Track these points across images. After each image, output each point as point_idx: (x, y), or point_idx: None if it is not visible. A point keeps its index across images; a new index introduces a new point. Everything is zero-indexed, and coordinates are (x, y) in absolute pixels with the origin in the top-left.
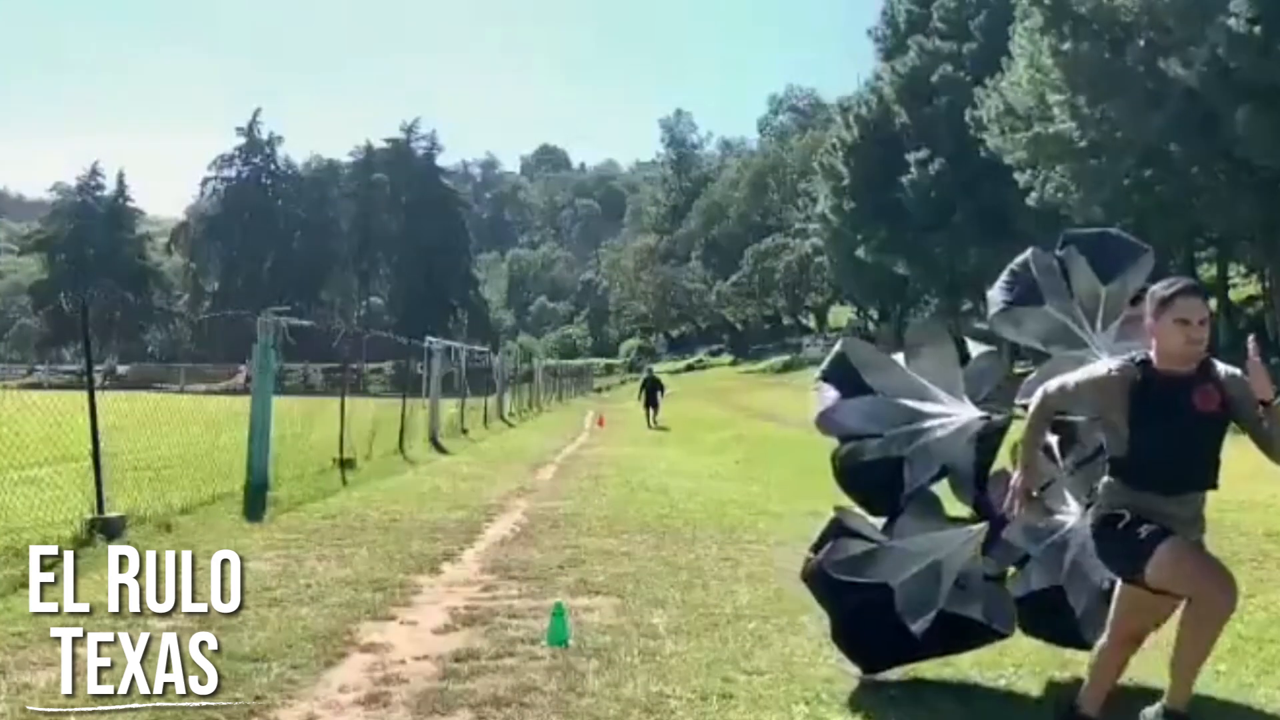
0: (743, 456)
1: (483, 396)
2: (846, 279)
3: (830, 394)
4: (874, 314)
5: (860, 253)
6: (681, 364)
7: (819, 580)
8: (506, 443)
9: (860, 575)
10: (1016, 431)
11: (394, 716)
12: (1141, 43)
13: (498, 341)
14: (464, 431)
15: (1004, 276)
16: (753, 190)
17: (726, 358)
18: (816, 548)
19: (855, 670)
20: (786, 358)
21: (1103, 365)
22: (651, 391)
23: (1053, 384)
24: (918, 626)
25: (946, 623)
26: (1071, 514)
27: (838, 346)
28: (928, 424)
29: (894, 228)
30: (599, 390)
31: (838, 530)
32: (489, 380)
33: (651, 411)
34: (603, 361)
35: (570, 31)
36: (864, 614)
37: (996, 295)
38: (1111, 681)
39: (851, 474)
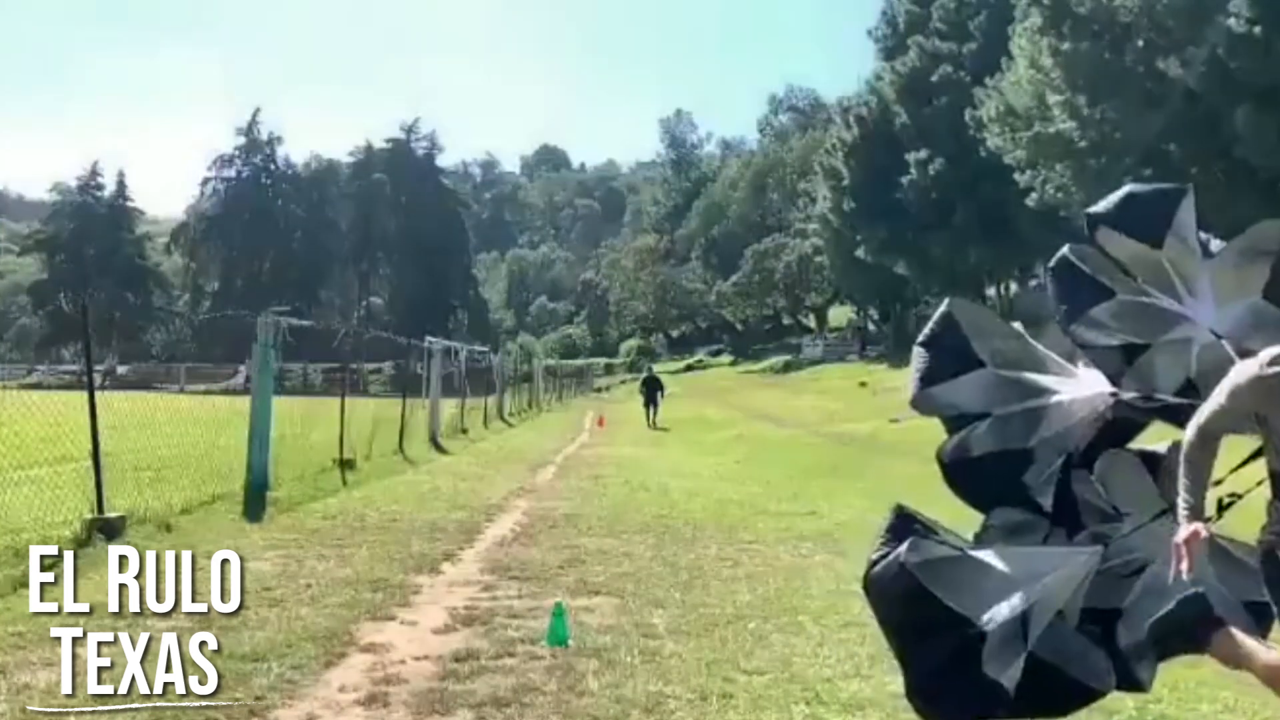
0: (743, 456)
1: (483, 397)
2: (846, 279)
3: (932, 364)
4: (874, 314)
5: (860, 253)
6: (681, 364)
7: (898, 623)
8: (506, 443)
9: (936, 588)
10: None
11: (394, 716)
12: (1140, 43)
13: (498, 342)
14: (464, 431)
15: (1049, 283)
16: (752, 190)
17: (726, 358)
18: (883, 550)
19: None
20: (786, 358)
21: (1251, 365)
22: (651, 391)
23: (1204, 410)
24: (1007, 676)
25: (1040, 674)
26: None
27: (943, 306)
28: (1052, 400)
29: (894, 228)
30: (599, 390)
31: (906, 528)
32: (489, 380)
33: (651, 411)
34: (603, 361)
35: (571, 31)
36: (950, 662)
37: (1057, 303)
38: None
39: (962, 474)
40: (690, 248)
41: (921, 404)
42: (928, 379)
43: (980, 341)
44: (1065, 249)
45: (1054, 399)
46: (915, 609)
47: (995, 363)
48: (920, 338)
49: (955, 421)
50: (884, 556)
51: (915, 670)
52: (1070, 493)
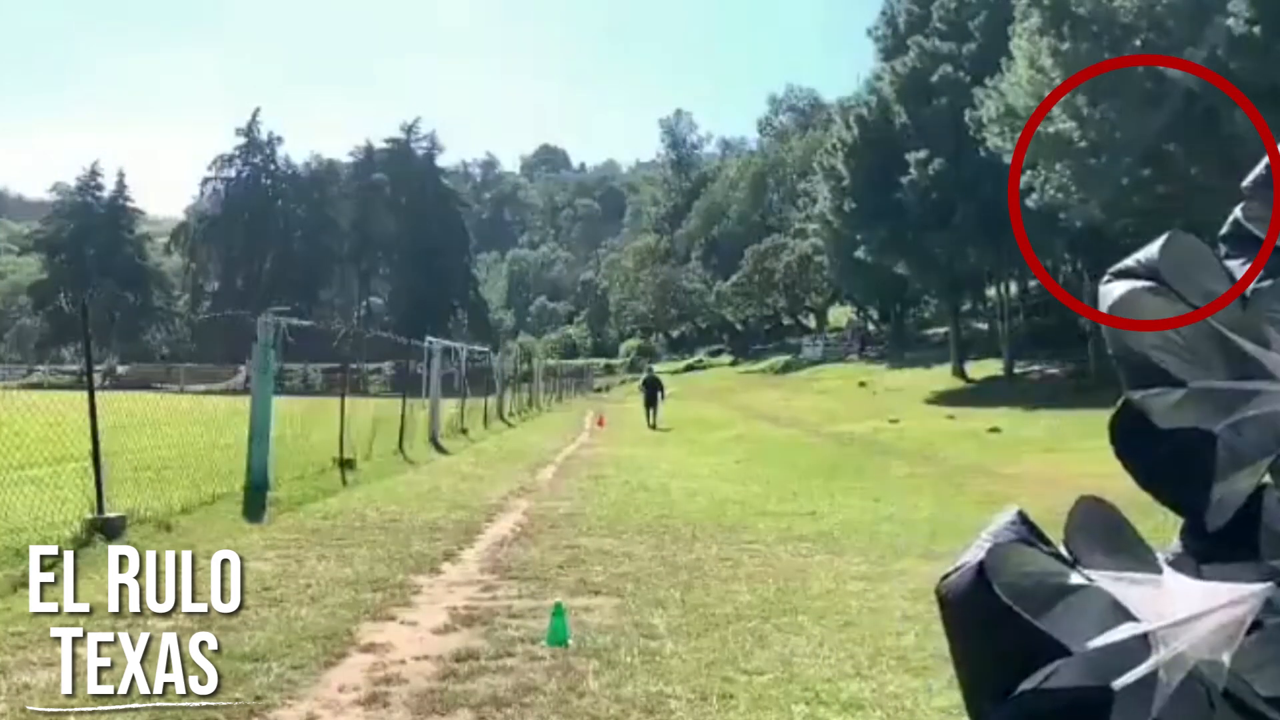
0: (743, 456)
1: (483, 397)
2: (846, 279)
3: (1130, 290)
4: (874, 314)
5: (860, 253)
6: (681, 364)
7: (980, 658)
8: (506, 443)
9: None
10: None
11: (394, 716)
12: (1140, 43)
13: (498, 342)
14: (464, 431)
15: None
16: (753, 190)
17: (726, 358)
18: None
19: None
20: (786, 358)
21: None
22: (652, 392)
23: None
24: None
25: None
26: None
27: (1163, 236)
28: (1259, 386)
29: (894, 228)
30: (599, 390)
31: (1016, 532)
32: (489, 380)
33: (652, 412)
34: (603, 361)
35: (570, 31)
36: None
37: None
38: None
39: (1129, 438)
40: (690, 248)
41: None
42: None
43: (1192, 286)
44: (1236, 210)
45: (1263, 384)
46: (1002, 641)
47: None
48: (1117, 266)
49: (1138, 372)
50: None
51: None
52: (1256, 511)
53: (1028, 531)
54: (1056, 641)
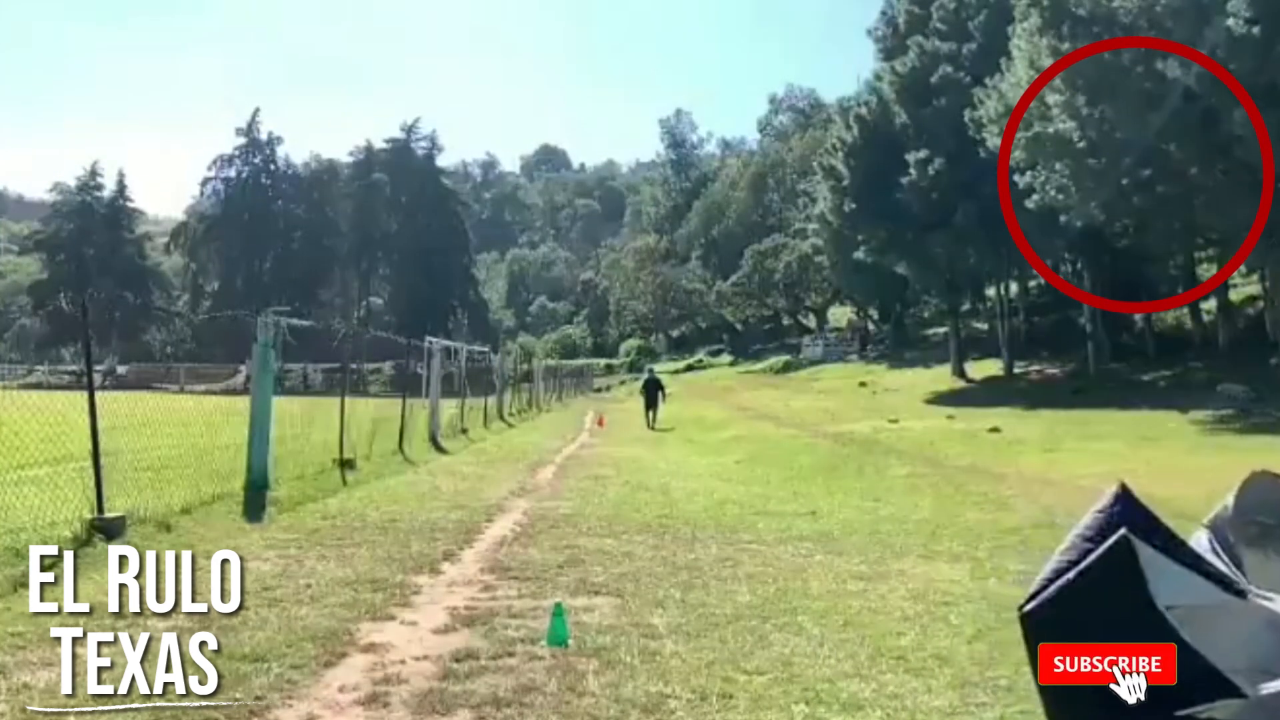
0: (743, 456)
1: (483, 396)
2: (846, 279)
3: None
4: (874, 314)
5: (860, 253)
6: (681, 364)
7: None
8: (506, 443)
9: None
10: None
11: (394, 716)
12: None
13: (498, 341)
14: (464, 431)
15: None
16: (752, 190)
17: (726, 358)
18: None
19: None
20: (786, 358)
21: None
22: (652, 394)
23: None
24: None
25: None
26: None
27: None
28: None
29: (894, 228)
30: (599, 390)
31: (1137, 530)
32: (489, 380)
33: (652, 413)
34: (603, 361)
35: (570, 31)
36: None
37: None
38: None
39: None
40: (690, 248)
41: None
42: None
43: None
44: None
45: None
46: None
47: None
48: None
49: None
50: (1079, 571)
51: None
52: None
53: (1158, 533)
54: (1200, 658)
